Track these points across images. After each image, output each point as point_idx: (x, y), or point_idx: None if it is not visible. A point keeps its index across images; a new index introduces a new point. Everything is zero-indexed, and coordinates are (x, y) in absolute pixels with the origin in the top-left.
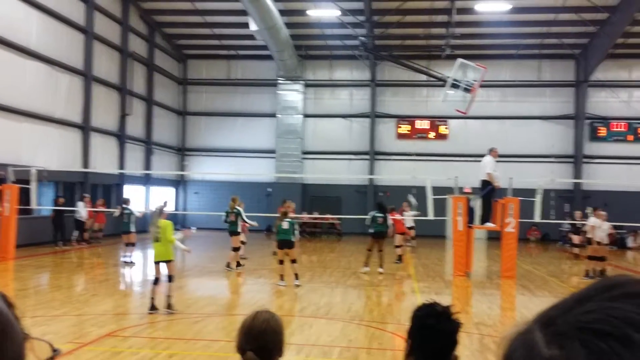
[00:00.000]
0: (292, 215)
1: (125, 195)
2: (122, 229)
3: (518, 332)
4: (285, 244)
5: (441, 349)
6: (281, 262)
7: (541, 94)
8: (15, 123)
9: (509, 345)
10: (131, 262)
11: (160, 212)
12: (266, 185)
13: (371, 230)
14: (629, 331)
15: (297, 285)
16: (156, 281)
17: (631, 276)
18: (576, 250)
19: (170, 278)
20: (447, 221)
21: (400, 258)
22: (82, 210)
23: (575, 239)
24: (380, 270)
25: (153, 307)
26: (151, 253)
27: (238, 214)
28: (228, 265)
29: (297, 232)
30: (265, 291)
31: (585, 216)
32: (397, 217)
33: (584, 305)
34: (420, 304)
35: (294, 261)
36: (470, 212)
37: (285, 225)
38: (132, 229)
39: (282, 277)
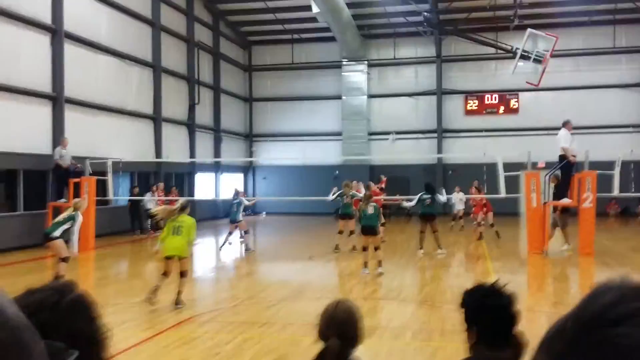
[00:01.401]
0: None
1: (236, 187)
2: (231, 218)
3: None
4: (369, 230)
5: (506, 325)
6: (365, 248)
7: (617, 62)
8: (90, 117)
9: None
10: (247, 248)
11: (183, 207)
12: (333, 168)
13: (419, 212)
14: None
15: (381, 273)
16: (165, 275)
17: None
18: None
19: (182, 274)
20: (520, 198)
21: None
22: (149, 201)
23: None
24: (440, 251)
25: (151, 298)
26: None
27: (353, 196)
28: (354, 248)
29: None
30: (335, 274)
31: None
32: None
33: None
34: (465, 290)
35: (376, 248)
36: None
37: (370, 209)
38: (240, 217)
39: (365, 265)
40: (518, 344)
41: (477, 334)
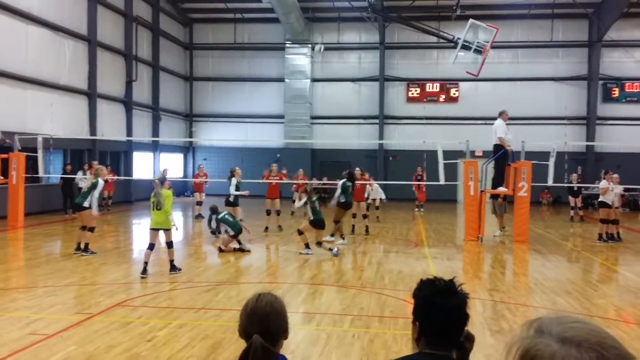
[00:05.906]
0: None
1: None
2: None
3: None
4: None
5: (453, 327)
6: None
7: (553, 55)
8: (20, 90)
9: None
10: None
11: (162, 181)
12: (275, 151)
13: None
14: None
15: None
16: (151, 247)
17: None
18: (580, 212)
19: (169, 244)
20: (458, 186)
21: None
22: (81, 179)
23: (572, 201)
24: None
25: (145, 271)
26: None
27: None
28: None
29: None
30: (275, 259)
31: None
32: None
33: None
34: (420, 281)
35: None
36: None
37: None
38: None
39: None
40: (464, 346)
41: (419, 329)
